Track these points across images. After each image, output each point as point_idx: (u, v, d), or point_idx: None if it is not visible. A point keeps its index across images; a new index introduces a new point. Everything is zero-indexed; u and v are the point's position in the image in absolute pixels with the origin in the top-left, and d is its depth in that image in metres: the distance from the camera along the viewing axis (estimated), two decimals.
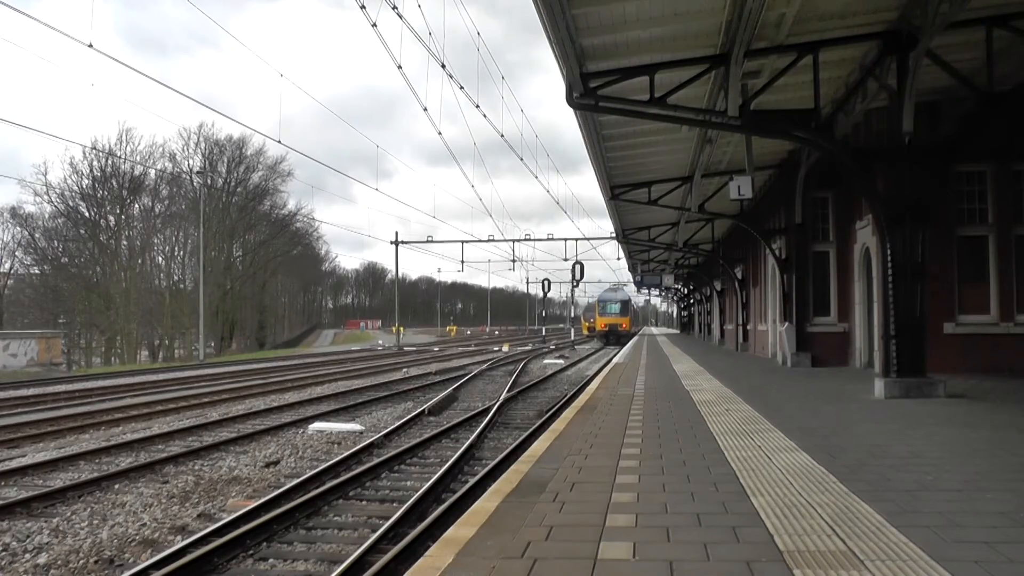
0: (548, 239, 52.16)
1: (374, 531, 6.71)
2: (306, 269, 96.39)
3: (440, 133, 19.77)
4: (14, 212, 60.73)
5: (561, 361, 32.74)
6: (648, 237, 30.83)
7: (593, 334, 66.65)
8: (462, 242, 52.10)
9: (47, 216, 60.43)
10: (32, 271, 62.36)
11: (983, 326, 15.07)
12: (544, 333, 74.11)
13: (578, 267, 50.82)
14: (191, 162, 65.36)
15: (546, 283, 65.65)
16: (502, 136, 20.40)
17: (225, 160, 67.76)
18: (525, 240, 52.20)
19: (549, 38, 9.83)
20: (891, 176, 11.47)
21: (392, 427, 13.18)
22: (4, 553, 6.65)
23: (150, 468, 10.11)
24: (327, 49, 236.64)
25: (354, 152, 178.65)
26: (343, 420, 14.62)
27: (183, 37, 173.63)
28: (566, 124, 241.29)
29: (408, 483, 9.06)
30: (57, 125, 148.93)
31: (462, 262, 54.38)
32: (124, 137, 60.63)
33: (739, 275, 29.79)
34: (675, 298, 79.70)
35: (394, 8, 12.63)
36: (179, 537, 7.05)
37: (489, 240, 50.91)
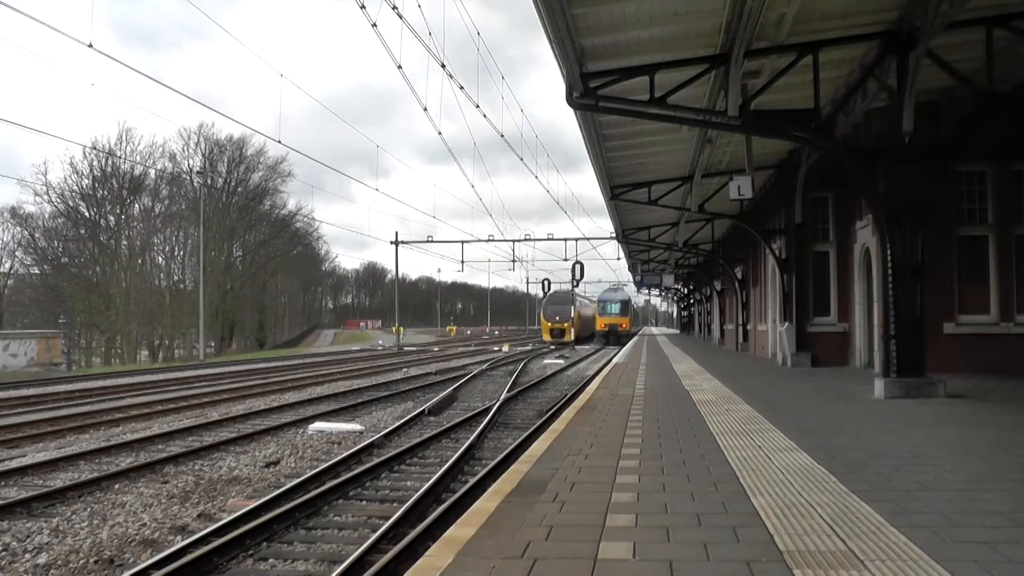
0: (548, 239, 52.15)
1: (374, 531, 6.71)
2: (306, 269, 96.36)
3: (440, 133, 19.79)
4: (14, 212, 60.86)
5: (561, 361, 32.74)
6: (648, 237, 30.84)
7: (558, 339, 53.59)
8: (462, 242, 52.08)
9: (47, 216, 60.56)
10: (32, 271, 62.45)
11: (983, 326, 15.07)
12: None
13: (578, 267, 50.64)
14: (191, 162, 65.48)
15: (546, 283, 65.43)
16: (502, 136, 20.43)
17: (225, 160, 67.88)
18: (525, 240, 52.20)
19: (549, 38, 9.83)
20: (891, 176, 11.46)
21: (392, 427, 13.18)
22: (4, 553, 6.65)
23: (150, 468, 10.11)
24: (322, 41, 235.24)
25: (351, 150, 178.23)
26: (343, 420, 14.62)
27: (175, 32, 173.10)
28: (566, 121, 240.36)
29: (408, 483, 9.06)
30: (57, 125, 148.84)
31: (462, 262, 54.25)
32: (124, 137, 60.57)
33: (739, 275, 29.78)
34: (675, 298, 79.69)
35: (394, 8, 12.64)
36: (179, 537, 7.05)
37: (489, 240, 50.93)
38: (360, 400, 18.05)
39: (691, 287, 56.64)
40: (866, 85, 12.13)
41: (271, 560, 6.34)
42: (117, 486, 9.18)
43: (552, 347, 49.46)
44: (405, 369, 29.66)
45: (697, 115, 12.62)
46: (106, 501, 8.49)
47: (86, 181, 59.58)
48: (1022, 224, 15.33)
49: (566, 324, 54.66)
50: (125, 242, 61.35)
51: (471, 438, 11.50)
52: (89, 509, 8.14)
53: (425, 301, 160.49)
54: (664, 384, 14.16)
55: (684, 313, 74.64)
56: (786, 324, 19.25)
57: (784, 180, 20.03)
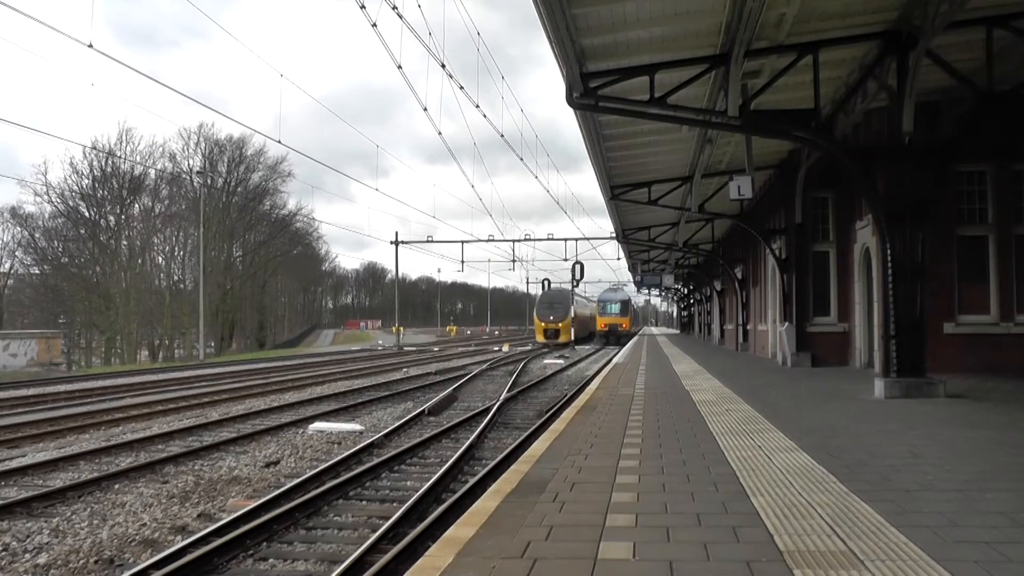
0: (548, 239, 52.15)
1: (374, 531, 6.71)
2: (306, 269, 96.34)
3: (440, 133, 19.80)
4: (14, 212, 60.87)
5: (561, 361, 32.73)
6: (648, 237, 30.83)
7: (552, 340, 50.46)
8: (462, 242, 52.09)
9: (47, 216, 60.55)
10: (32, 271, 62.44)
11: (983, 326, 15.07)
12: None
13: (578, 267, 50.53)
14: (191, 162, 65.44)
15: (546, 283, 65.28)
16: (502, 136, 20.46)
17: (225, 160, 67.84)
18: (525, 240, 52.20)
19: (549, 38, 9.83)
20: (891, 176, 11.47)
21: (392, 427, 13.18)
22: (4, 553, 6.65)
23: (150, 468, 10.11)
24: (321, 41, 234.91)
25: (351, 149, 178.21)
26: (343, 420, 14.62)
27: (174, 31, 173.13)
28: (566, 120, 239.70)
29: (408, 483, 9.06)
30: (57, 125, 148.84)
31: (462, 262, 54.26)
32: (124, 137, 60.47)
33: (739, 275, 29.78)
34: (675, 298, 79.66)
35: (394, 8, 12.64)
36: (179, 537, 7.05)
37: (489, 240, 50.94)
38: (360, 400, 18.04)
39: (691, 287, 56.62)
40: (866, 85, 12.14)
41: (271, 560, 6.34)
42: (117, 486, 9.18)
43: (551, 348, 47.32)
44: (405, 369, 29.66)
45: (697, 115, 12.63)
46: (106, 501, 8.49)
47: (86, 181, 59.64)
48: (1022, 224, 15.34)
49: (561, 324, 51.57)
50: (125, 242, 61.36)
51: (471, 438, 11.50)
52: (89, 509, 8.14)
53: (425, 301, 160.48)
54: (664, 384, 14.16)
55: (684, 313, 74.61)
56: (786, 324, 19.25)
57: (784, 180, 20.03)
